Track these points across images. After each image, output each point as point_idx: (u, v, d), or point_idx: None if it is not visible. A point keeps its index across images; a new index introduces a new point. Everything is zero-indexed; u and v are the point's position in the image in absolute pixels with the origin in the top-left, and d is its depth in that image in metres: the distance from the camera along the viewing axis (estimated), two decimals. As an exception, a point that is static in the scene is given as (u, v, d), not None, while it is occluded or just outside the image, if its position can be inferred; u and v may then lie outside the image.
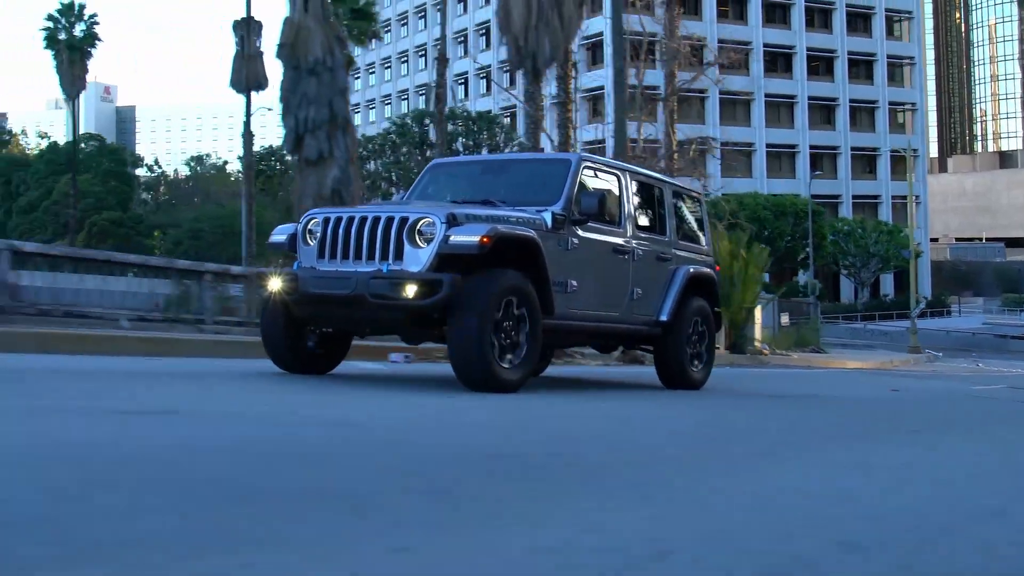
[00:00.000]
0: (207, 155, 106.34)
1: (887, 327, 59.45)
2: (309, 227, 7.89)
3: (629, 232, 9.09)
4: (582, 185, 8.48)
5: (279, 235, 8.25)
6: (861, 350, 42.50)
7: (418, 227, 7.31)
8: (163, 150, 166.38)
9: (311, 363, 8.28)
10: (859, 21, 76.84)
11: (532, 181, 8.88)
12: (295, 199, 24.05)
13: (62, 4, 61.08)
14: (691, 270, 9.73)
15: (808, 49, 73.90)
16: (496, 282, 7.26)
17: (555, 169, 8.70)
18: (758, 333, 29.52)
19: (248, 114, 37.14)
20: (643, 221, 9.43)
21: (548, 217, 8.00)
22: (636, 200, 9.34)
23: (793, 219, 61.37)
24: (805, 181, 66.53)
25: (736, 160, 58.07)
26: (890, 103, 76.97)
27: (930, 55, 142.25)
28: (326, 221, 7.72)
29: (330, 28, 23.07)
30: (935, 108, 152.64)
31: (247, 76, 37.18)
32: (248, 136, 37.66)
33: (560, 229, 8.10)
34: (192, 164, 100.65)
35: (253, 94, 37.26)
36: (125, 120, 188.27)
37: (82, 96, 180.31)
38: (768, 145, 71.23)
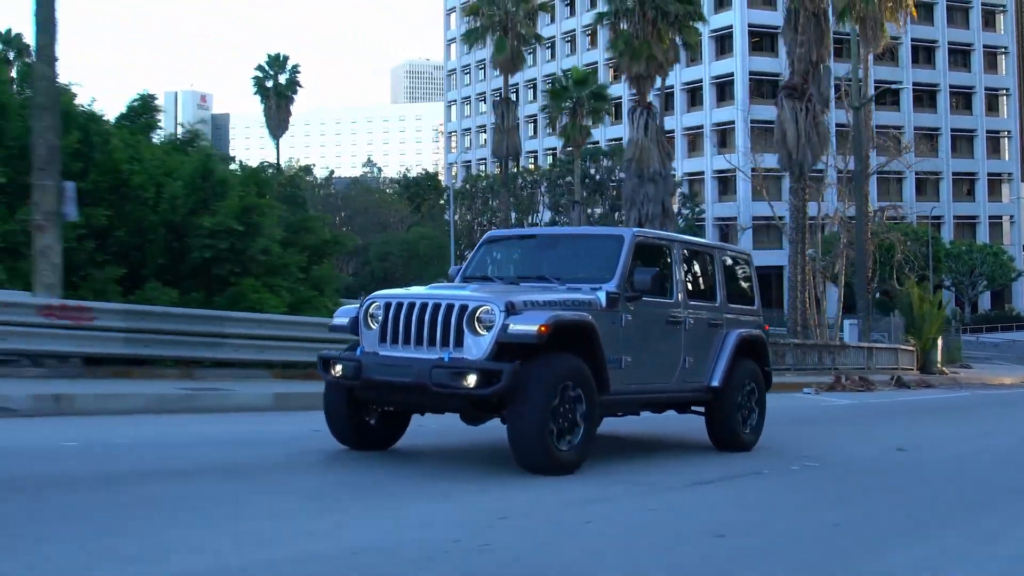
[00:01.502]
0: (374, 167, 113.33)
1: (994, 339, 69.08)
2: (371, 311, 8.24)
3: (681, 302, 9.41)
4: (635, 261, 8.74)
5: (341, 317, 8.62)
6: (992, 364, 52.22)
7: (477, 315, 7.64)
8: (256, 157, 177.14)
9: (373, 440, 8.74)
10: (959, 56, 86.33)
11: (586, 256, 9.23)
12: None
13: (269, 56, 71.89)
14: (741, 334, 10.03)
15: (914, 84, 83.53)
16: (554, 369, 7.58)
17: (609, 245, 8.97)
18: (939, 356, 39.69)
19: (506, 182, 47.66)
20: (694, 289, 9.75)
21: (603, 296, 8.36)
22: (687, 268, 9.69)
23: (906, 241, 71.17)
24: (911, 204, 76.06)
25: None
26: (987, 130, 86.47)
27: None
28: (387, 306, 8.08)
29: (663, 147, 33.39)
30: None
31: (507, 146, 47.80)
32: (506, 196, 48.14)
33: (614, 307, 8.42)
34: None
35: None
36: (219, 127, 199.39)
37: (179, 104, 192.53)
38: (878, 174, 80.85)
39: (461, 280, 9.54)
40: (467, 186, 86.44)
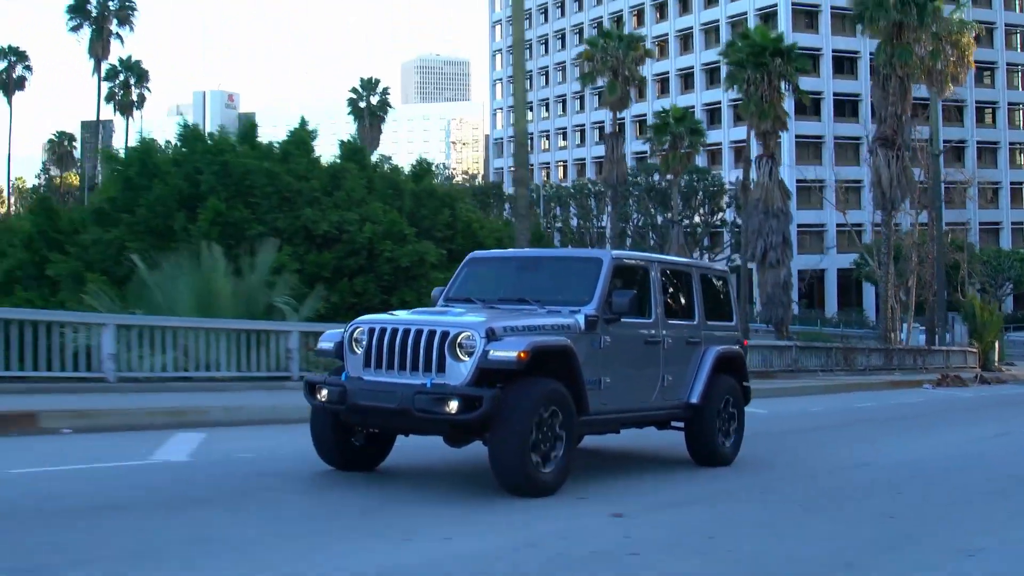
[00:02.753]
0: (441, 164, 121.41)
1: (1019, 337, 78.16)
2: (355, 335, 8.74)
3: (659, 322, 9.90)
4: (614, 283, 9.26)
5: (326, 342, 9.13)
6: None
7: (459, 341, 8.13)
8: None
9: (359, 459, 9.30)
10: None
11: (566, 278, 9.74)
12: (761, 290, 43.10)
13: (362, 80, 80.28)
14: (719, 350, 10.58)
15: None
16: (533, 393, 8.09)
17: (587, 267, 9.45)
18: (996, 356, 48.61)
19: (615, 204, 56.31)
20: (672, 308, 10.25)
21: (582, 319, 8.83)
22: (665, 288, 10.16)
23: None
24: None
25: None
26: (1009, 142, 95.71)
27: None
28: (371, 331, 8.59)
29: (781, 187, 42.01)
30: None
31: (616, 174, 56.48)
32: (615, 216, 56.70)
33: (593, 329, 8.91)
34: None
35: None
36: (246, 126, 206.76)
37: (207, 103, 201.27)
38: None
39: (444, 301, 10.00)
40: (532, 194, 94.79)
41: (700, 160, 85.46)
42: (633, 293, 9.10)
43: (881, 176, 42.20)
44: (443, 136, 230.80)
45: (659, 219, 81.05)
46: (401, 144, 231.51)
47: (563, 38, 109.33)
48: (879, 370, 36.03)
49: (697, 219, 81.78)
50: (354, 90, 79.86)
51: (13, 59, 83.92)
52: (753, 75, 41.43)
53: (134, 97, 79.30)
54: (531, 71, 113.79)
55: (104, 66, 72.85)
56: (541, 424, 8.14)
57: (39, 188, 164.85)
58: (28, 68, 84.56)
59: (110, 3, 66.39)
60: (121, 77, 79.02)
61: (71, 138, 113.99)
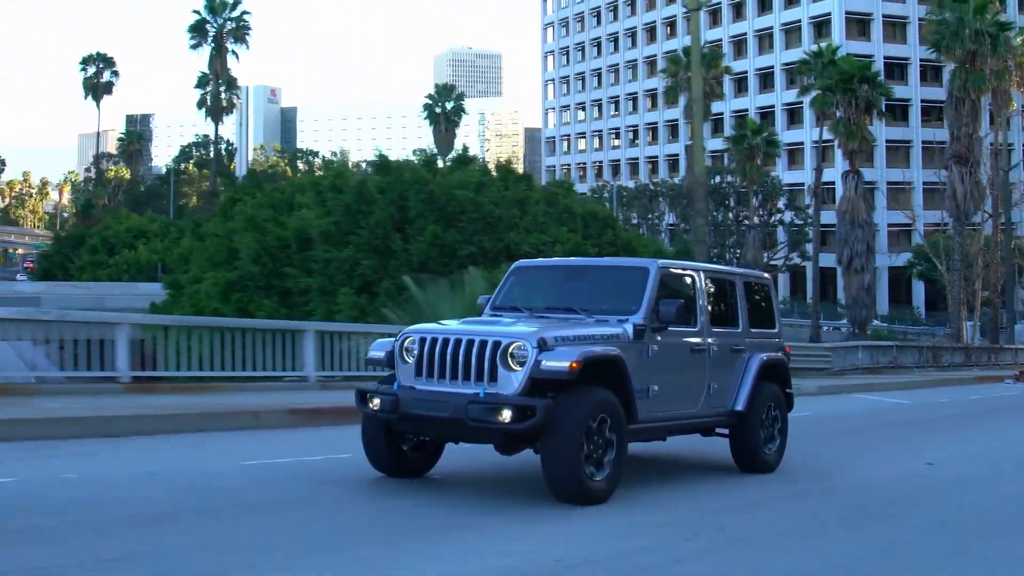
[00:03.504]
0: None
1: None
2: (406, 345, 8.99)
3: (704, 330, 10.11)
4: (661, 292, 9.45)
5: (377, 351, 9.42)
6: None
7: (510, 351, 8.35)
8: (325, 149, 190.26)
9: (410, 467, 9.54)
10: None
11: (613, 288, 9.92)
12: (847, 293, 48.09)
13: (437, 85, 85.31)
14: (764, 358, 10.83)
15: None
16: (585, 403, 8.33)
17: (634, 277, 9.66)
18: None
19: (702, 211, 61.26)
20: (717, 316, 10.44)
21: (630, 329, 9.03)
22: (710, 297, 10.38)
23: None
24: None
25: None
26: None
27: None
28: (422, 341, 8.83)
29: (866, 200, 46.95)
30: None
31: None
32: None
33: (641, 338, 9.10)
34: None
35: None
36: (288, 120, 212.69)
37: (249, 98, 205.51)
38: None
39: (491, 310, 10.24)
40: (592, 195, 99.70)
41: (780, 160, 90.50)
42: (680, 302, 9.31)
43: (956, 190, 47.06)
44: (478, 129, 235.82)
45: (718, 218, 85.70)
46: (428, 138, 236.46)
47: (616, 41, 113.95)
48: (961, 367, 40.88)
49: (756, 219, 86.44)
50: (430, 96, 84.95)
51: (101, 65, 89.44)
52: (842, 99, 46.31)
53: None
54: (583, 72, 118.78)
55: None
56: (592, 433, 8.35)
57: (90, 180, 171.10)
58: (115, 73, 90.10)
59: (227, 24, 71.57)
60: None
61: (140, 136, 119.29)
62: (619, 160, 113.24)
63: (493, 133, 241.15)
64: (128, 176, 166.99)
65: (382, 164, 34.01)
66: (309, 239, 32.08)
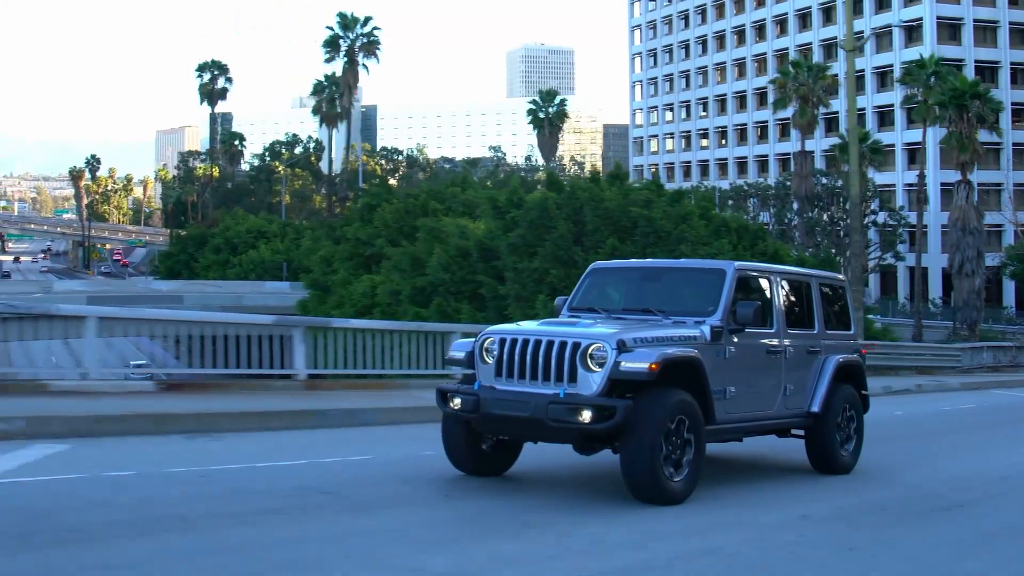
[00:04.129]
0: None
1: None
2: (486, 346, 9.31)
3: (780, 331, 10.31)
4: (737, 293, 9.70)
5: (457, 351, 9.84)
6: None
7: (590, 352, 8.60)
8: (406, 147, 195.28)
9: (489, 466, 9.86)
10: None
11: (690, 289, 10.15)
12: (958, 295, 51.76)
13: (541, 92, 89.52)
14: (839, 359, 11.01)
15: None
16: (664, 404, 8.53)
17: (711, 279, 9.88)
18: None
19: (801, 213, 64.97)
20: (792, 317, 10.63)
21: (707, 330, 9.24)
22: (785, 299, 10.54)
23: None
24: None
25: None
26: None
27: None
28: (502, 342, 9.15)
29: (977, 210, 50.52)
30: None
31: (805, 188, 65.13)
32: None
33: (719, 340, 9.31)
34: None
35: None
36: (369, 118, 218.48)
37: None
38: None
39: (568, 311, 10.51)
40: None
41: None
42: (757, 304, 9.49)
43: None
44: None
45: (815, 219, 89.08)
46: (505, 135, 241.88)
47: (704, 43, 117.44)
48: (1071, 365, 44.41)
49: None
50: (534, 102, 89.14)
51: (216, 72, 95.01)
52: (954, 114, 49.96)
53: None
54: (671, 74, 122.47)
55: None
56: (671, 434, 8.54)
57: (178, 177, 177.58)
58: (229, 80, 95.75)
59: (358, 40, 76.61)
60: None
61: (241, 137, 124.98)
62: (707, 160, 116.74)
63: (571, 130, 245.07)
64: (217, 174, 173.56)
65: (552, 181, 38.37)
66: (489, 249, 36.47)
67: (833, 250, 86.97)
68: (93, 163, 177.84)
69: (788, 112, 66.62)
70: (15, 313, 14.99)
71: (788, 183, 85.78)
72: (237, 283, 74.83)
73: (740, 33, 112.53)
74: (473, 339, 9.66)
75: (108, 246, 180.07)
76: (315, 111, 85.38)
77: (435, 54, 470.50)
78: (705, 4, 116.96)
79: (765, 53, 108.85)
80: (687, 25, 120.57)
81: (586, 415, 8.34)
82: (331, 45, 76.39)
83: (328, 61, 76.93)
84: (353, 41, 75.92)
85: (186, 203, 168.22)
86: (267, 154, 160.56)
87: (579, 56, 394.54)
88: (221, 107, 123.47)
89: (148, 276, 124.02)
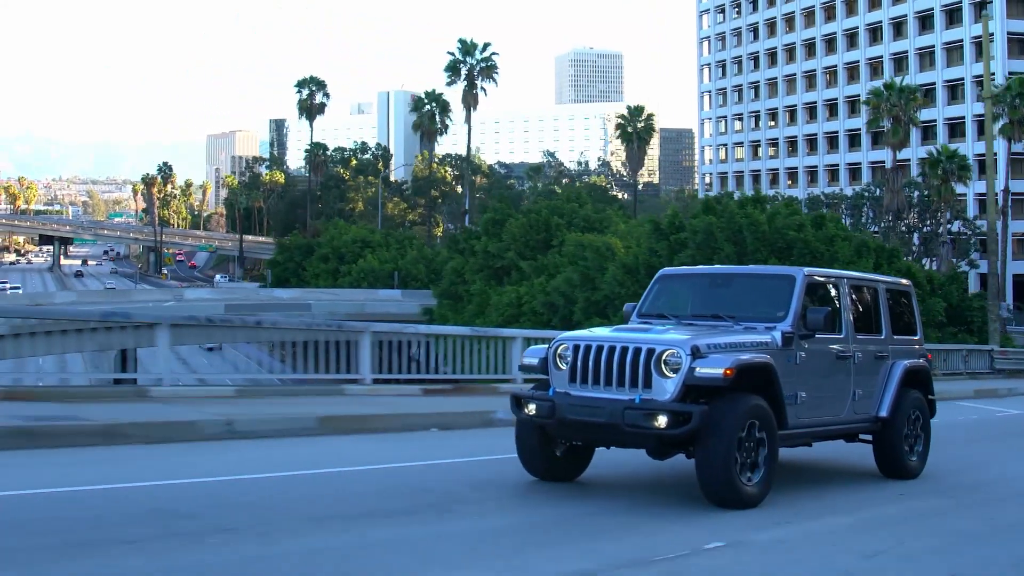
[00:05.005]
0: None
1: None
2: (559, 352, 9.55)
3: (849, 337, 10.50)
4: (807, 299, 9.86)
5: (531, 357, 10.09)
6: None
7: (664, 358, 8.80)
8: (456, 148, 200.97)
9: (562, 471, 10.09)
10: None
11: (759, 295, 10.30)
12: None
13: (629, 107, 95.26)
14: (907, 365, 11.18)
15: None
16: (739, 409, 8.73)
17: (781, 284, 10.04)
18: None
19: (894, 227, 70.32)
20: (860, 323, 10.79)
21: (778, 336, 9.44)
22: (854, 305, 10.72)
23: None
24: None
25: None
26: None
27: None
28: (576, 348, 9.39)
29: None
30: None
31: (897, 203, 70.58)
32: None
33: (789, 346, 9.50)
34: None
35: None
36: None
37: (391, 104, 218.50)
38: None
39: (637, 317, 10.80)
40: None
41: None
42: (827, 310, 9.66)
43: None
44: (600, 133, 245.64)
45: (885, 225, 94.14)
46: (562, 141, 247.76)
47: (774, 55, 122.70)
48: None
49: (926, 229, 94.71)
50: (623, 117, 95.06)
51: (314, 88, 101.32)
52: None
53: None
54: (740, 85, 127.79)
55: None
56: (745, 438, 8.75)
57: (244, 183, 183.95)
58: (327, 95, 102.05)
59: (478, 65, 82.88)
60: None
61: (324, 148, 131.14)
62: (777, 169, 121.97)
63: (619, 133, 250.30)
64: (283, 180, 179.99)
65: (709, 205, 44.13)
66: (654, 267, 42.21)
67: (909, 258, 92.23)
68: (165, 170, 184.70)
69: (851, 123, 71.68)
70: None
71: (866, 193, 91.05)
72: (354, 291, 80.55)
73: (810, 46, 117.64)
74: (546, 345, 9.96)
75: (172, 250, 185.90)
76: (415, 127, 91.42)
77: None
78: (775, 17, 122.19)
79: (836, 65, 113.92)
80: (756, 37, 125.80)
81: (662, 420, 8.60)
82: (452, 70, 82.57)
83: (449, 84, 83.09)
84: (473, 66, 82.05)
85: (252, 208, 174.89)
86: (329, 161, 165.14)
87: (627, 60, 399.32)
88: (276, 113, 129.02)
89: (222, 277, 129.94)
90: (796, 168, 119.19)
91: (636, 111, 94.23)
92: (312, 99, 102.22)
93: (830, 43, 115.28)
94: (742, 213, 42.07)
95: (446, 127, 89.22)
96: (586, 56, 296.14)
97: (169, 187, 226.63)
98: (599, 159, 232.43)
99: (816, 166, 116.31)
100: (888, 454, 11.12)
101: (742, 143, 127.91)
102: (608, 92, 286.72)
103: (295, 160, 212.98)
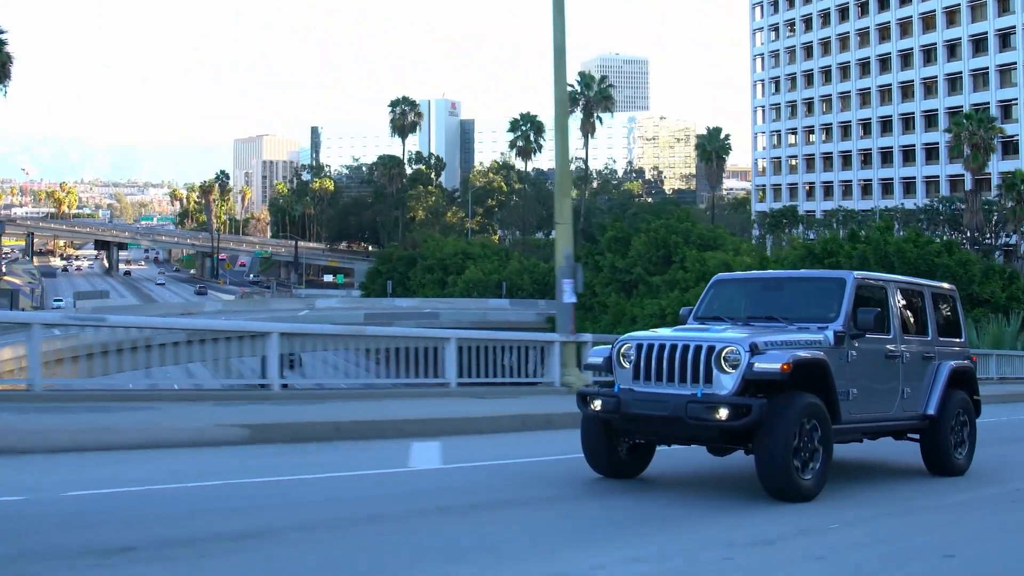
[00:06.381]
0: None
1: None
2: (623, 351, 10.10)
3: (898, 337, 11.07)
4: (856, 301, 10.41)
5: (595, 357, 10.72)
6: None
7: (724, 355, 9.36)
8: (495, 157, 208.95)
9: (625, 468, 10.61)
10: None
11: (811, 298, 10.84)
12: None
13: (709, 129, 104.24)
14: (953, 365, 11.78)
15: None
16: (796, 404, 9.24)
17: (831, 287, 10.70)
18: None
19: (973, 243, 79.12)
20: (908, 324, 11.39)
21: (831, 335, 10.01)
22: (901, 307, 11.28)
23: None
24: None
25: None
26: None
27: None
28: (639, 347, 9.94)
29: None
30: None
31: (975, 222, 79.47)
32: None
33: (841, 344, 10.08)
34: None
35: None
36: (467, 131, 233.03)
37: (432, 111, 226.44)
38: None
39: (694, 320, 11.39)
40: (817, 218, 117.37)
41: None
42: (877, 310, 10.24)
43: None
44: (625, 140, 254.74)
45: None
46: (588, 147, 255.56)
47: (827, 74, 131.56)
48: None
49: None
50: (701, 137, 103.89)
51: (406, 108, 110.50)
52: None
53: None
54: (794, 100, 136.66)
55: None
56: (802, 433, 9.28)
57: (292, 190, 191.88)
58: (418, 115, 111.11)
59: (595, 96, 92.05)
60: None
61: (400, 161, 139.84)
62: (832, 182, 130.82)
63: (642, 139, 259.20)
64: (332, 187, 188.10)
65: (853, 234, 53.11)
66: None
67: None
68: (222, 178, 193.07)
69: (904, 139, 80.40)
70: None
71: (937, 206, 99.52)
72: (467, 300, 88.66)
73: (864, 65, 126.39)
74: (609, 346, 10.44)
75: (221, 255, 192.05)
76: (512, 145, 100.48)
77: (520, 65, 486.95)
78: (829, 38, 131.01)
79: (890, 84, 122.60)
80: (809, 56, 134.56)
81: (723, 413, 9.05)
82: (572, 101, 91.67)
83: (568, 115, 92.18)
84: (590, 98, 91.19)
85: (303, 215, 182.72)
86: (374, 169, 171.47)
87: (654, 67, 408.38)
88: (313, 119, 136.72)
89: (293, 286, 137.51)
90: (850, 181, 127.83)
91: (715, 133, 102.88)
92: (405, 118, 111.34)
93: (884, 63, 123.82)
94: (890, 241, 50.93)
95: (540, 146, 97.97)
96: (612, 62, 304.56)
97: (222, 193, 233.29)
98: (627, 164, 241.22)
99: (871, 179, 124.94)
100: (936, 451, 11.62)
101: (796, 156, 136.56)
102: (635, 98, 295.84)
103: (333, 165, 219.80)
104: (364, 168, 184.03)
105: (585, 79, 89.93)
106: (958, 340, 12.43)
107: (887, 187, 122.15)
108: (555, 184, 22.52)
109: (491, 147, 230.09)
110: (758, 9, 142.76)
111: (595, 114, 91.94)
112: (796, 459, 9.25)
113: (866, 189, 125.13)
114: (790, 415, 9.15)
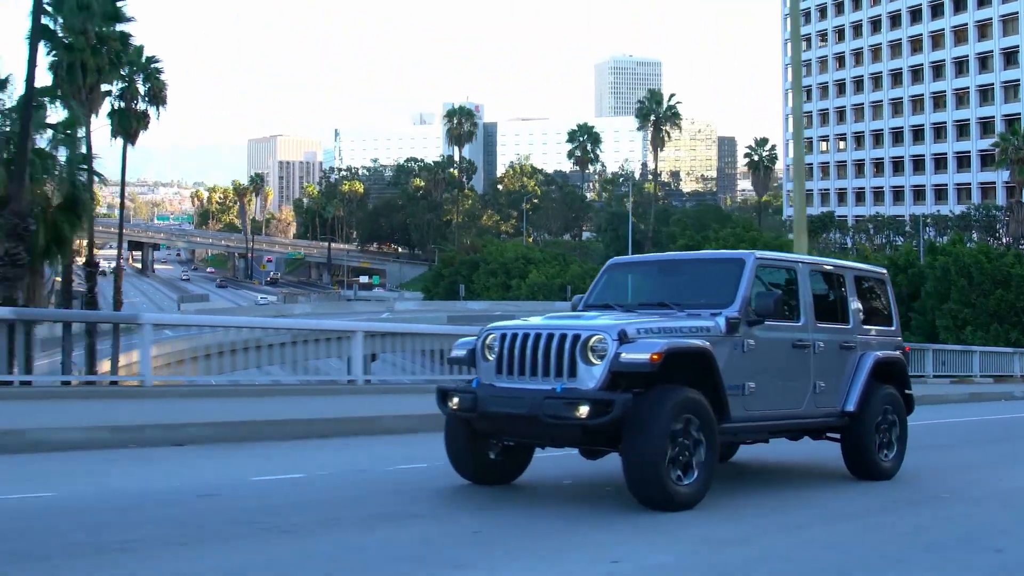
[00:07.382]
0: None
1: None
2: (487, 342, 9.22)
3: (809, 325, 10.12)
4: (757, 284, 9.58)
5: (459, 349, 9.65)
6: None
7: (590, 344, 8.43)
8: (521, 161, 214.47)
9: (494, 473, 9.66)
10: None
11: (707, 281, 9.93)
12: None
13: (756, 139, 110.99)
14: (878, 356, 10.83)
15: None
16: (669, 399, 8.21)
17: (730, 269, 9.68)
18: None
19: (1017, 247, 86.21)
20: (823, 311, 10.41)
21: (722, 322, 9.05)
22: (815, 291, 10.37)
23: None
24: None
25: None
26: None
27: None
28: (503, 337, 9.03)
29: None
30: None
31: (1019, 231, 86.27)
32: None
33: (735, 332, 9.11)
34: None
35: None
36: (490, 135, 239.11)
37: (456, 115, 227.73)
38: None
39: (583, 308, 10.46)
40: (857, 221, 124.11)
41: None
42: (778, 294, 9.31)
43: None
44: (637, 142, 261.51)
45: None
46: (607, 153, 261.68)
47: (859, 83, 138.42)
48: None
49: None
50: (750, 147, 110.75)
51: (463, 118, 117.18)
52: None
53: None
54: (826, 108, 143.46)
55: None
56: (678, 433, 8.27)
57: (322, 191, 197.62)
58: (474, 124, 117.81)
59: (663, 114, 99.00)
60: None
61: (444, 166, 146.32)
62: (863, 188, 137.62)
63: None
64: (361, 190, 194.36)
65: (932, 246, 59.88)
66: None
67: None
68: (257, 181, 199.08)
69: (936, 147, 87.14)
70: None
71: (972, 213, 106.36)
72: (534, 303, 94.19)
73: (897, 75, 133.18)
74: (474, 337, 9.59)
75: (252, 256, 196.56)
76: (570, 155, 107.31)
77: (535, 68, 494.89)
78: (861, 48, 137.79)
79: (922, 95, 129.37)
80: (841, 65, 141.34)
81: (583, 410, 8.13)
82: (643, 117, 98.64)
83: (639, 129, 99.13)
84: (660, 114, 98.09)
85: (332, 218, 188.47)
86: (398, 172, 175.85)
87: (667, 67, 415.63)
88: (320, 120, 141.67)
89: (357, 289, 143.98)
90: (882, 187, 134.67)
91: (761, 143, 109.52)
92: (461, 128, 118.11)
93: (916, 73, 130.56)
94: (968, 253, 57.65)
95: (596, 156, 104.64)
96: (625, 63, 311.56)
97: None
98: (641, 166, 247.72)
99: (903, 186, 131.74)
100: (857, 452, 10.73)
101: (828, 163, 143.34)
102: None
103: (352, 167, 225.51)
104: (387, 170, 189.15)
105: (655, 96, 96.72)
106: (887, 329, 11.44)
107: (919, 194, 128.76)
108: (794, 220, 23.47)
109: (515, 148, 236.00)
110: (789, 20, 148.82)
111: (663, 130, 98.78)
112: (671, 463, 8.26)
113: (898, 195, 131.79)
114: (660, 412, 8.16)
